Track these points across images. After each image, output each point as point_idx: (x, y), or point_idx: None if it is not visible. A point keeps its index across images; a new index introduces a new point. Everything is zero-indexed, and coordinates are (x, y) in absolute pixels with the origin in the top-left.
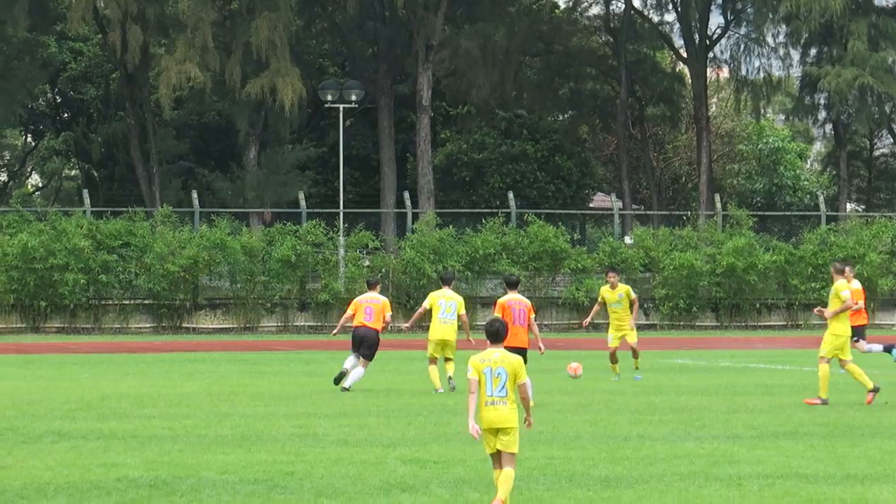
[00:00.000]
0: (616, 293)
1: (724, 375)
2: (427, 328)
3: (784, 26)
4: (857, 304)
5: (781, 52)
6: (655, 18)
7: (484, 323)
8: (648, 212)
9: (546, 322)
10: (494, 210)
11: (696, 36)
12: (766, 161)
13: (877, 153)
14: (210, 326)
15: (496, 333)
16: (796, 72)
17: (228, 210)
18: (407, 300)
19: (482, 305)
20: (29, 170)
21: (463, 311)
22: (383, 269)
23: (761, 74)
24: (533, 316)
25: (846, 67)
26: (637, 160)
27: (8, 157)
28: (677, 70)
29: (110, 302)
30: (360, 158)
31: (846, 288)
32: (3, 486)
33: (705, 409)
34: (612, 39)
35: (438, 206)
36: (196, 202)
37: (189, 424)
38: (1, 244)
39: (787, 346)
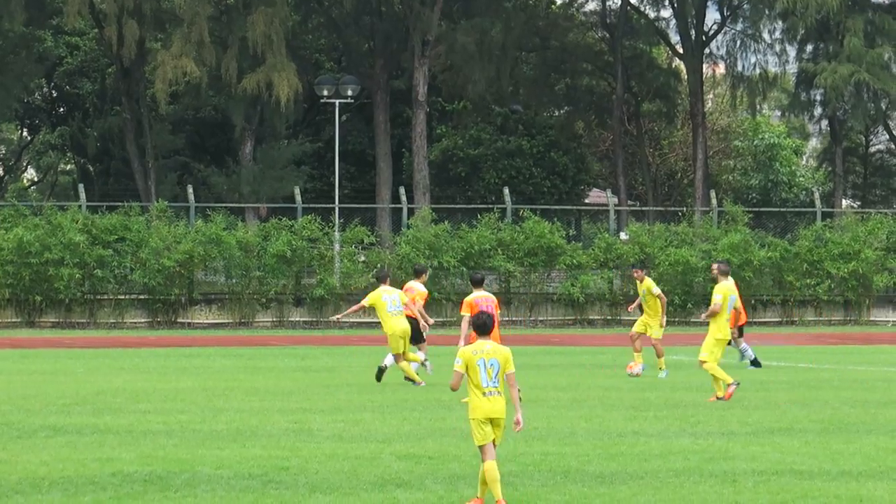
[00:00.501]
0: (641, 287)
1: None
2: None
3: (780, 22)
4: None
5: (777, 48)
6: (652, 14)
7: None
8: (644, 208)
9: (541, 318)
10: (490, 206)
11: (693, 32)
12: (762, 157)
13: (872, 149)
14: (205, 321)
15: (483, 325)
16: (792, 68)
17: (224, 205)
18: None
19: None
20: (24, 164)
21: (407, 301)
22: (378, 265)
23: (757, 70)
24: (498, 311)
25: (842, 64)
26: (633, 156)
27: (3, 152)
28: (673, 66)
29: (105, 296)
30: (356, 154)
31: (719, 291)
32: None
33: (700, 406)
34: (608, 35)
35: (434, 201)
36: (191, 197)
37: (184, 419)
38: None
39: (781, 342)
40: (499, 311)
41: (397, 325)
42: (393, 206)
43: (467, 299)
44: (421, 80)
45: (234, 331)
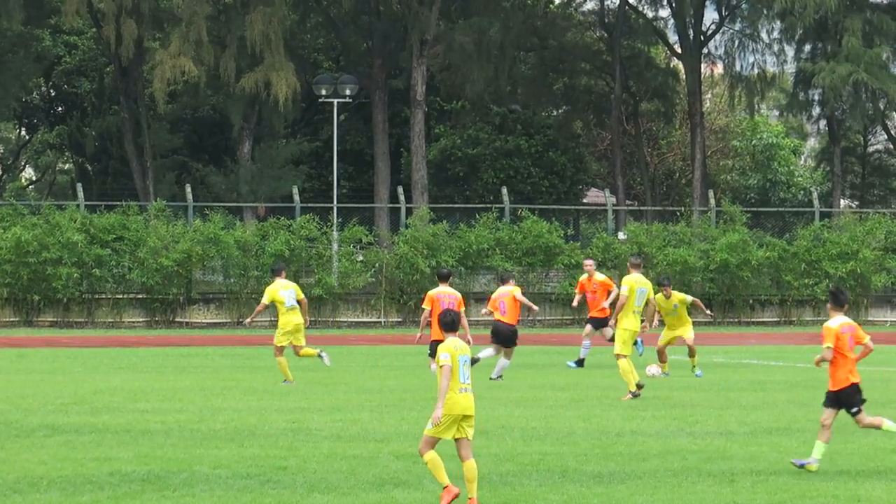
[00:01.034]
0: (671, 303)
1: (717, 371)
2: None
3: (778, 22)
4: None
5: (776, 47)
6: (650, 14)
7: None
8: (642, 207)
9: (539, 318)
10: (488, 205)
11: (691, 31)
12: (760, 157)
13: (871, 149)
14: (203, 321)
15: (451, 323)
16: (790, 68)
17: (222, 204)
18: (400, 295)
19: (475, 301)
20: (22, 163)
21: (302, 297)
22: (377, 264)
23: (755, 70)
24: (462, 309)
25: (840, 63)
26: (631, 156)
27: (2, 151)
28: (671, 66)
29: (104, 296)
30: (354, 153)
31: (626, 283)
32: None
33: (698, 405)
34: (606, 35)
35: (432, 201)
36: (190, 196)
37: (182, 419)
38: None
39: (780, 342)
40: (462, 309)
41: (290, 320)
42: (391, 205)
43: (430, 294)
44: (419, 79)
45: (232, 330)
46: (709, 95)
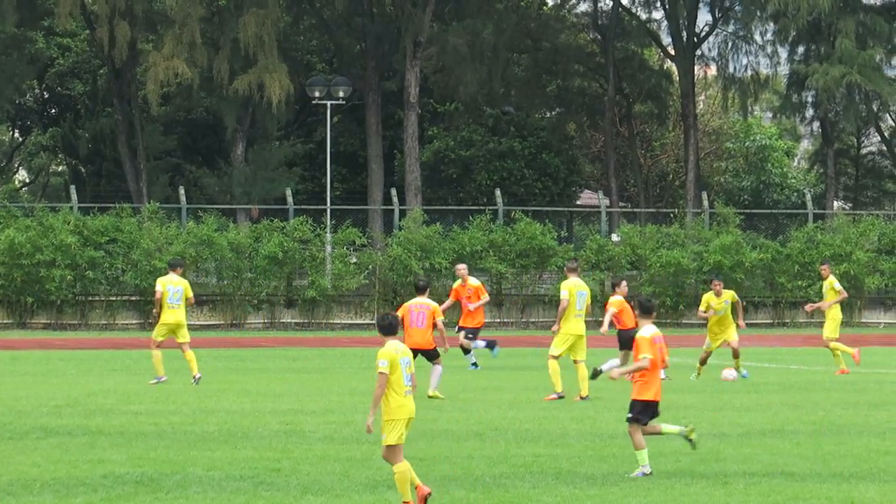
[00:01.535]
0: (722, 300)
1: (710, 373)
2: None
3: (772, 24)
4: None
5: (769, 49)
6: (643, 16)
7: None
8: (635, 209)
9: (533, 320)
10: (481, 207)
11: (684, 33)
12: (754, 159)
13: (864, 151)
14: (197, 323)
15: (390, 326)
16: (784, 69)
17: (215, 206)
18: (394, 297)
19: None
20: (16, 165)
21: (191, 295)
22: (370, 266)
23: (749, 72)
24: (441, 319)
25: (834, 65)
26: (624, 157)
27: None
28: (665, 67)
29: (97, 298)
30: (348, 155)
31: (565, 288)
32: None
33: (691, 407)
34: (599, 37)
35: (426, 202)
36: (183, 198)
37: (175, 421)
38: None
39: (773, 343)
40: (441, 318)
41: (171, 317)
42: (384, 207)
43: (405, 304)
44: (413, 81)
45: (225, 332)
46: (702, 97)
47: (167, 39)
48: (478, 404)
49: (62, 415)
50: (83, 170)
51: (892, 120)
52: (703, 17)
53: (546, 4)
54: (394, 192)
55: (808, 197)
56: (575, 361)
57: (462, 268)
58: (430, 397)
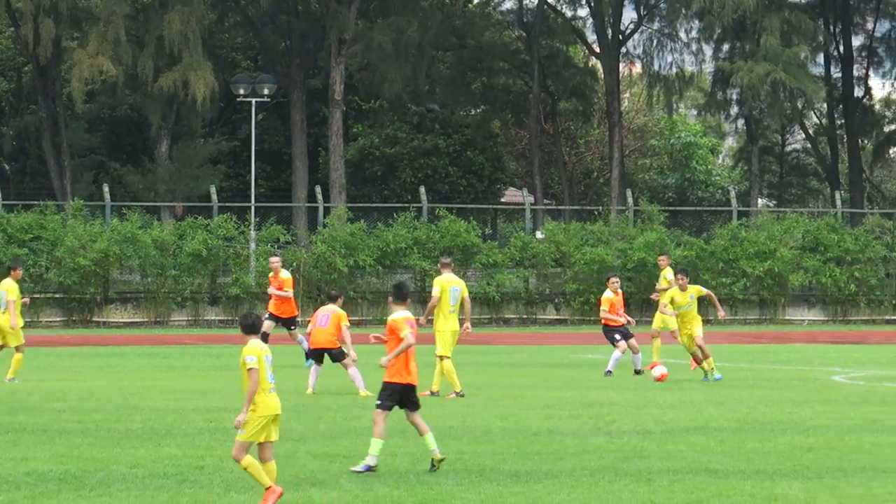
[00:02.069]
0: (687, 295)
1: (630, 369)
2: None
3: (697, 21)
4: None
5: (694, 47)
6: (568, 13)
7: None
8: (560, 206)
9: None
10: (406, 205)
11: (609, 31)
12: (678, 156)
13: (788, 149)
14: (120, 320)
15: (252, 326)
16: (709, 67)
17: (140, 204)
18: (318, 294)
19: None
20: None
21: (13, 298)
22: (294, 264)
23: (674, 70)
24: (346, 324)
25: (759, 63)
26: (549, 155)
27: None
28: (590, 65)
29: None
30: (272, 152)
31: (437, 284)
32: None
33: (615, 405)
34: (524, 34)
35: (350, 200)
36: (107, 196)
37: (99, 418)
38: None
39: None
40: (346, 324)
41: (2, 321)
42: (309, 204)
43: (316, 311)
44: (337, 78)
45: (149, 330)
46: (627, 95)
47: (92, 37)
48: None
49: None
50: (7, 167)
51: (817, 118)
52: (629, 15)
53: (471, 2)
54: (318, 189)
55: (733, 194)
56: (440, 357)
57: (275, 260)
58: (363, 397)
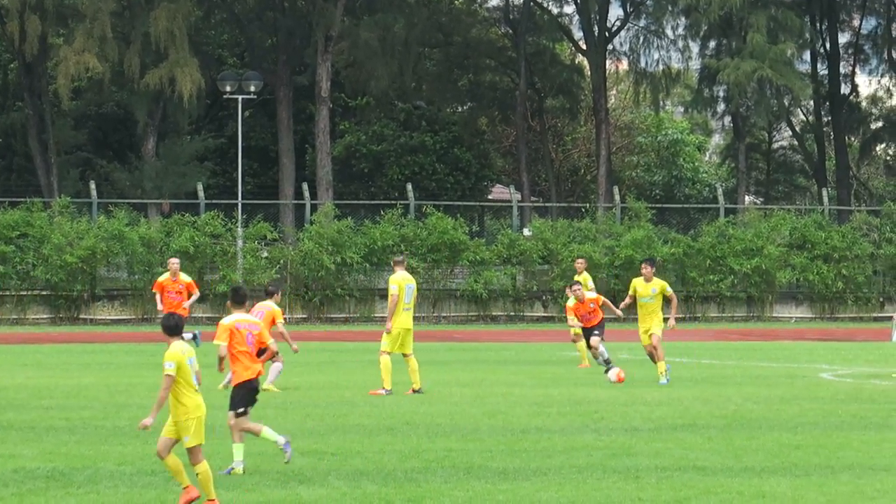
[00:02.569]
0: (649, 287)
1: (622, 368)
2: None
3: (683, 18)
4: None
5: (681, 44)
6: (555, 10)
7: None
8: (547, 204)
9: (444, 314)
10: (393, 202)
11: (596, 28)
12: (665, 153)
13: (775, 146)
14: (107, 318)
15: (175, 327)
16: (695, 64)
17: (127, 201)
18: (305, 292)
19: (380, 297)
20: None
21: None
22: (281, 261)
23: (660, 67)
24: (280, 321)
25: (745, 60)
26: (536, 152)
27: None
28: (577, 62)
29: (7, 293)
30: (259, 149)
31: (394, 282)
32: None
33: (603, 402)
34: (511, 31)
35: (337, 197)
36: (94, 193)
37: (86, 416)
38: None
39: (684, 338)
40: (281, 321)
41: None
42: (296, 202)
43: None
44: (324, 75)
45: (136, 327)
46: (614, 92)
47: (78, 34)
48: (389, 399)
49: None
50: None
51: (803, 115)
52: (615, 12)
53: None
54: (305, 186)
55: (720, 191)
56: (404, 355)
57: (174, 262)
58: (263, 390)
